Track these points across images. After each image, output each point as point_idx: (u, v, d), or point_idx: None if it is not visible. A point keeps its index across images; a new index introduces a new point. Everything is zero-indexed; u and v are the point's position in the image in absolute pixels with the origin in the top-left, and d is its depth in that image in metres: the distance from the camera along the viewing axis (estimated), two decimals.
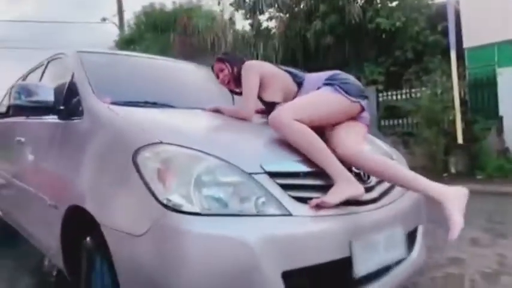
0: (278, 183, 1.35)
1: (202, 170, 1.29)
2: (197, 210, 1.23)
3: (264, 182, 1.33)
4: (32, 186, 2.22)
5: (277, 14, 10.62)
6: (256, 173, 1.33)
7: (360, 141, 1.71)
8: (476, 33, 7.79)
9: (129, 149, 1.42)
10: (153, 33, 13.02)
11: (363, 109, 1.79)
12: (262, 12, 11.03)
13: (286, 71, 2.01)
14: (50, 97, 2.05)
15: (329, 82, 1.77)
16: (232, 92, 2.19)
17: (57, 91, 2.11)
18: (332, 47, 9.05)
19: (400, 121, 8.69)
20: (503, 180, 6.51)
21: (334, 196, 1.38)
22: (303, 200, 1.36)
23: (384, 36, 8.60)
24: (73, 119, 1.95)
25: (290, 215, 1.30)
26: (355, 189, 1.43)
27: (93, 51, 2.53)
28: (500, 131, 7.49)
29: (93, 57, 2.37)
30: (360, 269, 1.40)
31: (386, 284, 1.53)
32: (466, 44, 8.04)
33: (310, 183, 1.45)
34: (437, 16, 8.34)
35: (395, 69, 8.56)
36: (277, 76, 1.97)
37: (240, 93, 2.05)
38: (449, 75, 7.36)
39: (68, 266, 1.85)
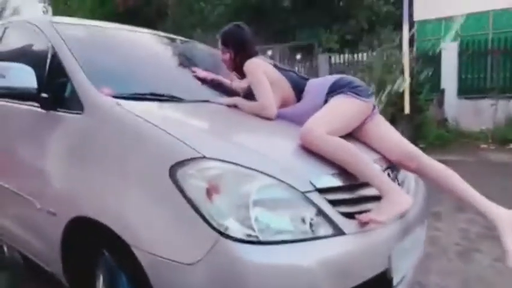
0: (328, 200, 1.30)
1: (257, 191, 1.20)
2: (256, 237, 1.14)
3: (316, 200, 1.27)
4: (11, 183, 1.92)
5: None
6: (308, 191, 1.27)
7: (407, 142, 1.75)
8: (426, 7, 8.09)
9: (164, 162, 1.26)
10: None
11: (374, 107, 1.82)
12: None
13: (287, 75, 1.93)
14: (31, 82, 1.74)
15: (340, 90, 1.75)
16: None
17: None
18: (289, 11, 8.88)
19: None
20: (443, 149, 7.13)
21: (384, 213, 1.36)
22: (351, 215, 1.33)
23: (340, 3, 8.59)
24: (65, 112, 1.69)
25: (343, 233, 1.27)
26: (405, 203, 1.43)
27: (70, 22, 2.17)
28: (441, 103, 8.08)
29: (73, 31, 2.04)
30: (397, 277, 1.44)
31: (408, 283, 1.60)
32: (417, 17, 8.35)
33: (355, 196, 1.42)
34: None
35: (350, 37, 8.68)
36: (278, 83, 1.89)
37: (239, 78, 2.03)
38: (401, 46, 7.65)
39: (69, 275, 1.68)
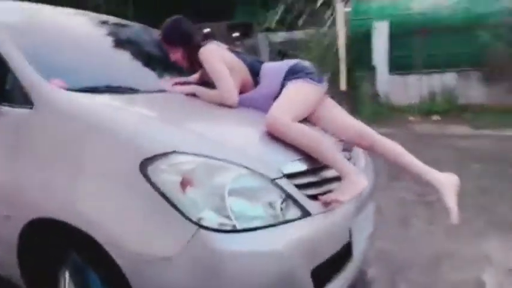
0: (294, 184, 1.38)
1: (230, 181, 1.23)
2: (233, 225, 1.19)
3: (285, 185, 1.34)
4: None
5: None
6: (277, 178, 1.33)
7: (359, 122, 1.90)
8: None
9: (133, 158, 1.24)
10: None
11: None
12: None
13: (242, 58, 1.95)
14: None
15: (296, 75, 1.81)
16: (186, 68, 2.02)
17: None
18: None
19: None
20: (376, 123, 7.64)
21: (345, 193, 1.47)
22: (316, 197, 1.43)
23: None
24: (9, 107, 1.56)
25: (310, 214, 1.36)
26: (362, 183, 1.55)
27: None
28: (373, 79, 8.60)
29: (6, 15, 1.86)
30: (356, 249, 1.58)
31: (364, 252, 1.76)
32: None
33: (319, 179, 1.51)
34: None
35: (289, 17, 8.80)
36: (236, 68, 1.91)
37: (193, 71, 1.98)
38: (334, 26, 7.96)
39: (27, 278, 1.61)
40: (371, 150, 1.89)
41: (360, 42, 8.80)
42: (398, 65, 8.48)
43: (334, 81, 8.10)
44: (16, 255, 1.54)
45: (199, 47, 1.90)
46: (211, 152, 1.29)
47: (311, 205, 1.38)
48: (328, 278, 1.44)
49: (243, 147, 1.42)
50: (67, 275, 1.47)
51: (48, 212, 1.39)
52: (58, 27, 2.01)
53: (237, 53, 1.98)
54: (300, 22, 8.96)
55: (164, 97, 1.80)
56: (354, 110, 8.10)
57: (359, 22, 8.82)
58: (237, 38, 10.85)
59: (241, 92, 1.88)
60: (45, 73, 1.57)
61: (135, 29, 2.56)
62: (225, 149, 1.34)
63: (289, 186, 1.35)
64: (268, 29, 8.97)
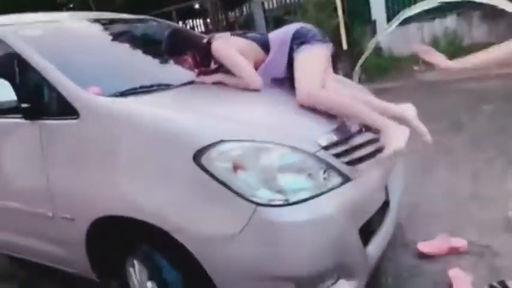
0: (332, 154, 1.49)
1: (277, 160, 1.35)
2: (286, 200, 1.32)
3: (324, 156, 1.45)
4: (13, 200, 1.89)
5: None
6: (317, 151, 1.44)
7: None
8: None
9: (186, 151, 1.36)
10: None
11: None
12: None
13: (249, 37, 2.01)
14: (11, 95, 1.68)
15: (303, 40, 1.88)
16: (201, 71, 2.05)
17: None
18: None
19: None
20: (382, 76, 7.65)
21: (397, 141, 1.57)
22: (352, 163, 1.54)
23: None
24: (55, 119, 1.68)
25: (350, 180, 1.48)
26: (404, 129, 1.65)
27: (22, 21, 2.04)
28: (374, 33, 8.48)
29: (32, 32, 1.94)
30: (393, 205, 1.71)
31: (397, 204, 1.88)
32: None
33: (353, 145, 1.61)
34: None
35: None
36: (249, 50, 1.97)
37: (211, 71, 2.01)
38: None
39: (98, 271, 1.78)
40: None
41: None
42: (397, 16, 8.34)
43: (334, 41, 8.04)
44: (85, 253, 1.70)
45: (207, 45, 1.95)
46: (254, 136, 1.40)
47: (350, 171, 1.50)
48: (372, 234, 1.58)
49: (281, 126, 1.53)
50: (136, 263, 1.62)
51: (113, 210, 1.53)
52: (79, 35, 2.09)
53: (244, 35, 2.04)
54: None
55: (195, 89, 1.89)
56: (356, 66, 8.08)
57: None
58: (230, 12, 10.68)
59: (257, 68, 1.95)
60: (81, 83, 1.67)
61: (147, 24, 2.62)
62: (265, 131, 1.44)
63: (328, 156, 1.46)
64: None
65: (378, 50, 8.42)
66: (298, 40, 1.88)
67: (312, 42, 1.86)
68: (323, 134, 1.55)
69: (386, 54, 8.45)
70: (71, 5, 12.06)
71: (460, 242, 2.01)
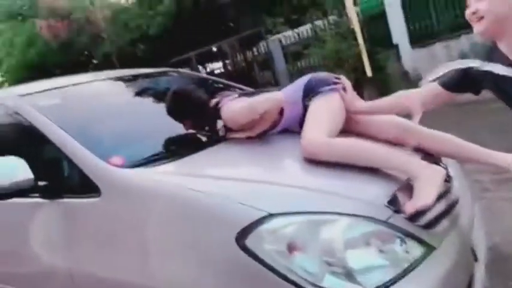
0: (405, 218, 1.20)
1: (342, 234, 1.07)
2: (359, 283, 1.02)
3: (399, 222, 1.16)
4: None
5: None
6: (389, 217, 1.16)
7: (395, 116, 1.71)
8: None
9: (227, 231, 1.11)
10: (9, 22, 10.92)
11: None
12: None
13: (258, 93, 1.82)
14: (27, 174, 1.50)
15: (316, 91, 1.68)
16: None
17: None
18: (227, 4, 8.69)
19: (307, 63, 8.96)
20: None
21: (428, 192, 1.26)
22: (429, 225, 1.24)
23: None
24: (75, 198, 1.48)
25: (434, 248, 1.17)
26: (439, 170, 1.36)
27: (35, 91, 1.91)
28: (398, 57, 8.24)
29: (45, 101, 1.79)
30: (480, 255, 1.39)
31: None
32: None
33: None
34: None
35: (296, 17, 8.63)
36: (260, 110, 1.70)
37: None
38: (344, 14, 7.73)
39: None
40: (420, 145, 1.63)
41: (375, 23, 8.49)
42: (420, 37, 8.10)
43: (357, 69, 7.83)
44: None
45: (215, 109, 1.76)
46: (309, 205, 1.13)
47: (429, 236, 1.19)
48: None
49: (336, 190, 1.25)
50: None
51: None
52: (99, 97, 1.94)
53: (252, 94, 1.85)
54: (306, 18, 8.78)
55: (223, 150, 1.65)
56: (385, 93, 7.78)
57: (367, 3, 8.53)
58: (248, 51, 10.72)
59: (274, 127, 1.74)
60: (101, 153, 1.48)
61: (167, 78, 2.46)
62: (321, 199, 1.18)
63: (403, 221, 1.17)
64: (278, 33, 8.80)
65: (404, 74, 8.15)
66: (310, 94, 1.68)
67: (323, 91, 1.66)
68: (388, 195, 1.27)
69: (412, 77, 8.15)
70: (95, 61, 12.57)
71: None
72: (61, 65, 11.09)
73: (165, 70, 2.63)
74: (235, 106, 1.70)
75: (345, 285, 1.02)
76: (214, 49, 11.47)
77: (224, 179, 1.32)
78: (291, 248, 1.06)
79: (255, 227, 1.09)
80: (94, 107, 1.87)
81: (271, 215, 1.09)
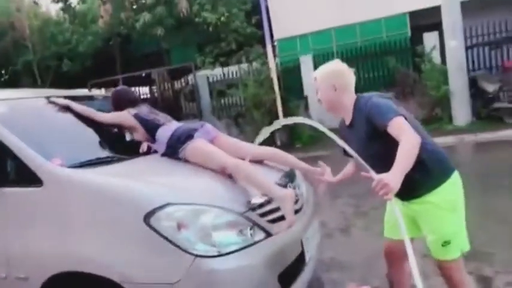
0: (258, 214, 1.88)
1: (212, 220, 1.71)
2: (218, 252, 1.66)
3: (251, 216, 1.83)
4: None
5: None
6: (246, 212, 1.83)
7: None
8: (283, 27, 9.41)
9: (137, 213, 1.67)
10: None
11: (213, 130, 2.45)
12: None
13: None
14: None
15: (180, 144, 2.20)
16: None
17: None
18: (162, 37, 9.27)
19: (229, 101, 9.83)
20: (314, 146, 8.45)
21: (286, 214, 1.91)
22: (274, 221, 1.93)
23: (210, 28, 9.35)
24: (17, 187, 1.91)
25: (271, 235, 1.86)
26: (287, 195, 1.94)
27: None
28: (306, 107, 9.49)
29: None
30: (308, 255, 2.10)
31: (314, 258, 2.27)
32: (276, 36, 9.61)
33: (274, 206, 2.01)
34: (253, 9, 9.61)
35: (223, 59, 9.50)
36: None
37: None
38: (266, 63, 8.80)
39: None
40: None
41: (290, 75, 9.71)
42: None
43: (271, 112, 8.85)
44: None
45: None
46: (194, 199, 1.76)
47: (271, 227, 1.88)
48: (291, 281, 1.93)
49: (217, 191, 1.91)
50: None
51: (66, 267, 1.74)
52: (41, 111, 2.38)
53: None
54: (233, 61, 9.72)
55: (144, 161, 2.24)
56: (294, 137, 8.90)
57: (285, 58, 9.77)
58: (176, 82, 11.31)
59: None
60: (43, 154, 1.94)
61: (104, 100, 2.97)
62: (203, 196, 1.81)
63: (254, 216, 1.85)
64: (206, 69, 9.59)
65: None
66: (172, 147, 2.21)
67: (188, 142, 2.18)
68: (251, 196, 1.95)
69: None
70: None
71: None
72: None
73: (95, 94, 3.12)
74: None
75: (209, 249, 1.65)
76: (143, 75, 11.87)
77: (140, 179, 1.90)
78: (180, 226, 1.66)
79: (157, 211, 1.67)
80: (39, 118, 2.31)
81: (168, 204, 1.69)
